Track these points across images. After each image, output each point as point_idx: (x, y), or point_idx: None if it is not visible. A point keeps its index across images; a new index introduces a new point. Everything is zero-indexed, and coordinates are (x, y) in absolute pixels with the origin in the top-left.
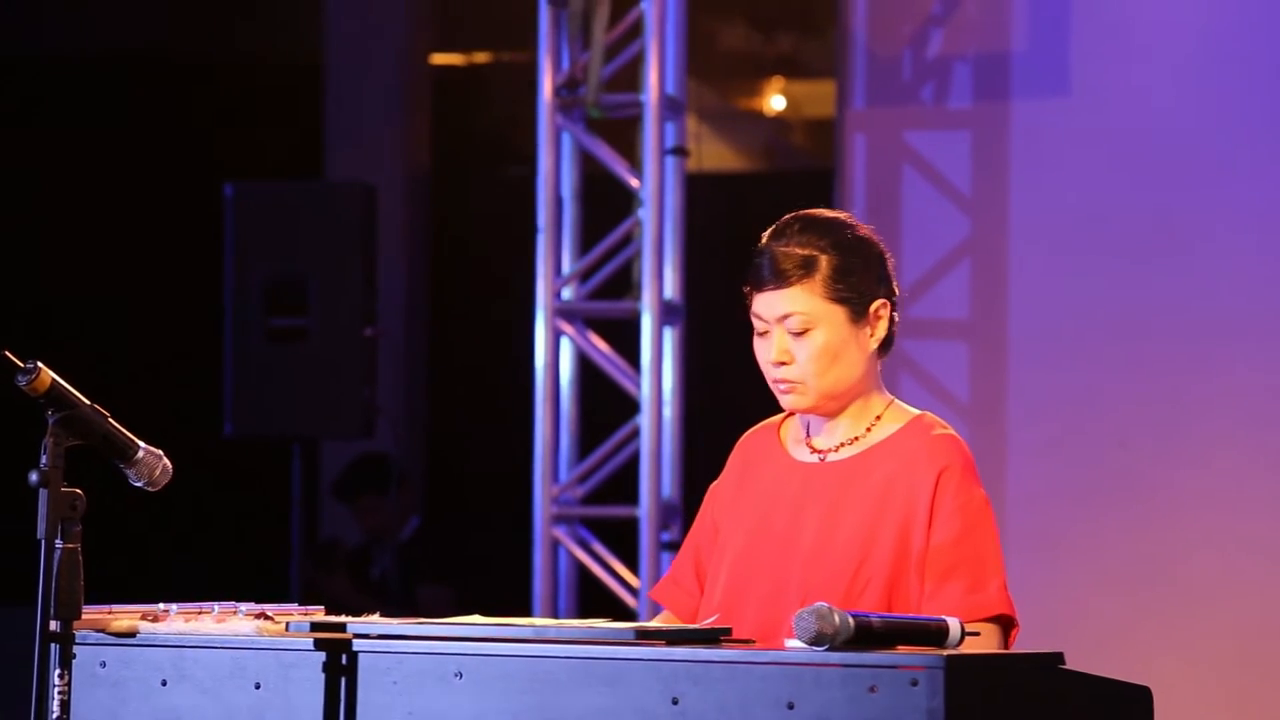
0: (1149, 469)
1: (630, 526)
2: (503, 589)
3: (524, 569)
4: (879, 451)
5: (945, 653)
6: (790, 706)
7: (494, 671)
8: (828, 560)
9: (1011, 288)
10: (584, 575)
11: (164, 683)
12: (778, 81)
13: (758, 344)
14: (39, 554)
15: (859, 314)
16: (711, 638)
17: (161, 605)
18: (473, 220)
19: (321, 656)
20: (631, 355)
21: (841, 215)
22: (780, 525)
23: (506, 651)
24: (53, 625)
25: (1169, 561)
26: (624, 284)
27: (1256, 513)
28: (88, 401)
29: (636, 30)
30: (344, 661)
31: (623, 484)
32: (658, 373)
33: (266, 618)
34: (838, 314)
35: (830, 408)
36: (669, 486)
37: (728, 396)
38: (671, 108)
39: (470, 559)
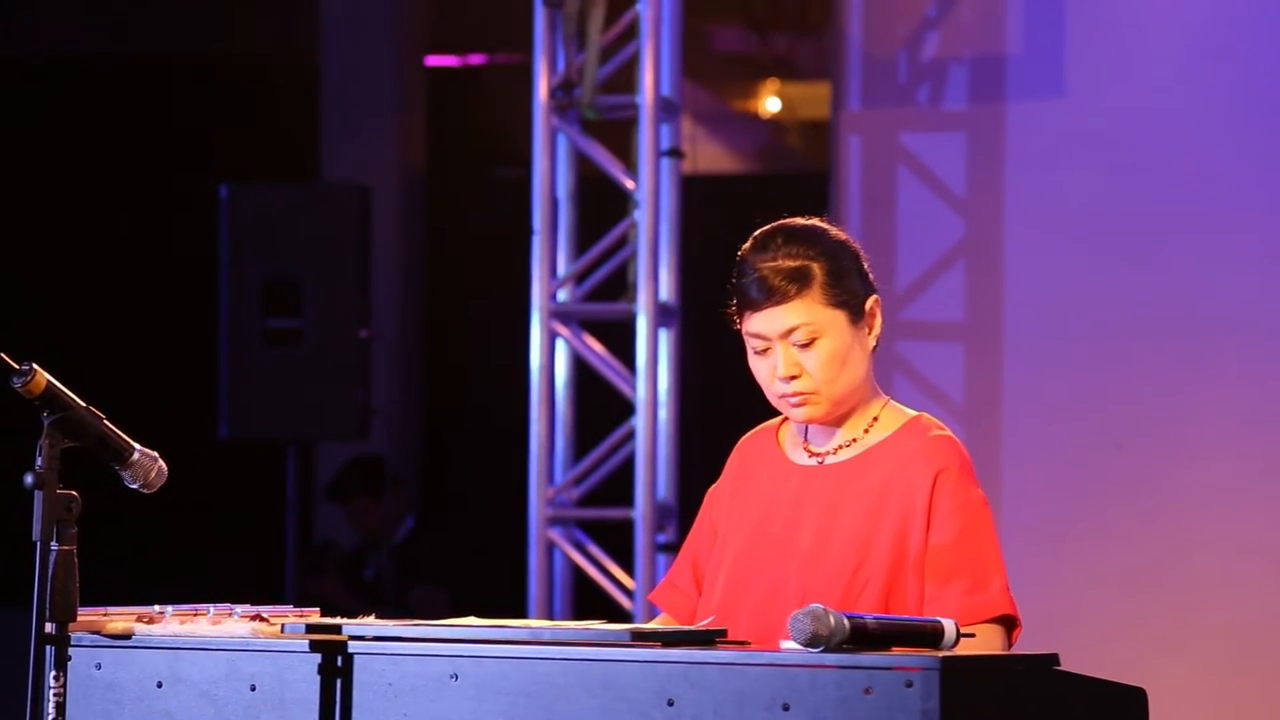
0: (1145, 470)
1: (625, 528)
2: (498, 591)
3: (519, 571)
4: (876, 453)
5: (940, 654)
6: (785, 708)
7: (489, 673)
8: (826, 562)
9: (1007, 289)
10: (579, 577)
11: (159, 685)
12: (773, 83)
13: (756, 362)
14: (34, 556)
15: (857, 315)
16: (707, 639)
17: (157, 607)
18: (468, 222)
19: (317, 658)
20: (627, 357)
21: (817, 222)
22: (778, 528)
23: (502, 653)
24: (48, 627)
25: (1164, 562)
26: (619, 286)
27: (1252, 513)
28: (83, 403)
29: (632, 32)
30: (339, 663)
31: (618, 486)
32: (653, 374)
33: (262, 619)
34: (840, 319)
35: (839, 414)
36: (664, 488)
37: (723, 398)
38: (667, 109)
39: (465, 561)
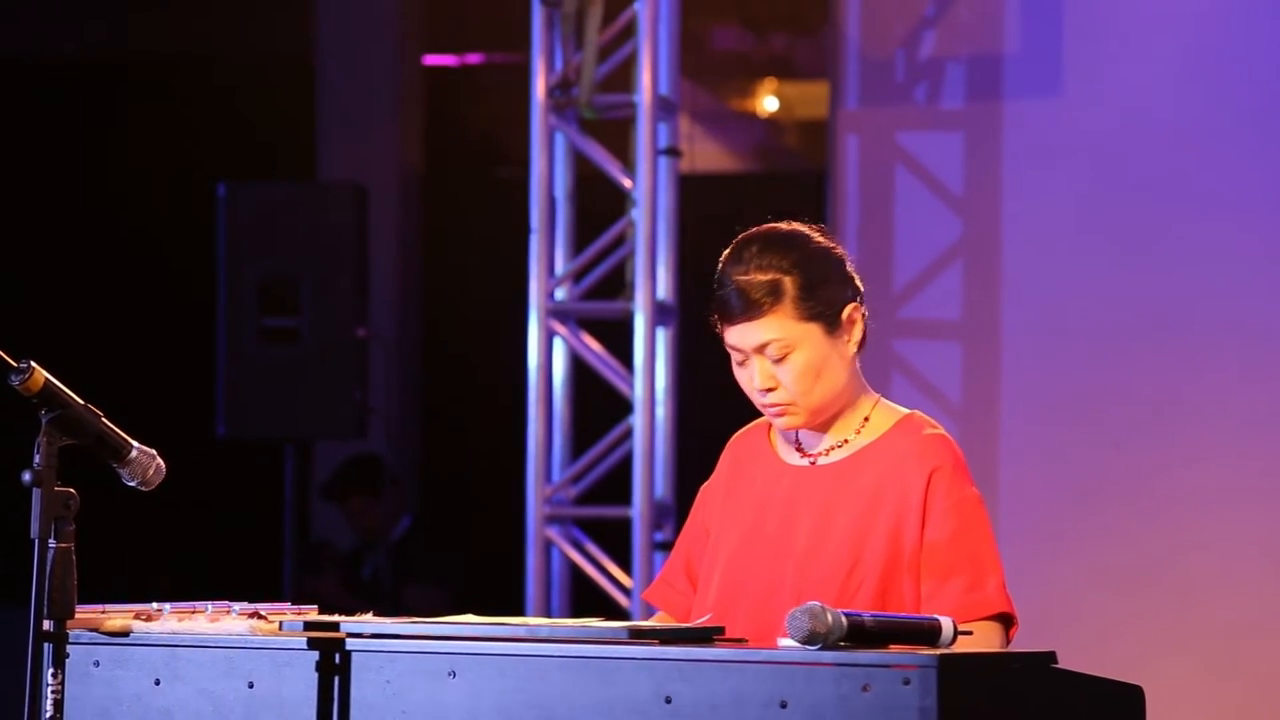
0: (1142, 469)
1: (623, 527)
2: (496, 589)
3: (517, 569)
4: (869, 453)
5: (938, 652)
6: (783, 705)
7: (487, 670)
8: (821, 563)
9: (1004, 288)
10: (577, 575)
11: (157, 682)
12: (770, 82)
13: (738, 372)
14: (32, 553)
15: (833, 325)
16: (704, 636)
17: (155, 605)
18: (465, 221)
19: (315, 655)
20: (624, 356)
21: (798, 228)
22: (772, 529)
23: (500, 650)
24: (46, 625)
25: (1162, 561)
26: (617, 284)
27: (1249, 512)
28: (81, 401)
29: (629, 31)
30: (337, 660)
31: (616, 484)
32: (651, 373)
33: (260, 617)
34: (813, 331)
35: (822, 420)
36: (662, 487)
37: (720, 397)
38: (664, 108)
39: (463, 559)
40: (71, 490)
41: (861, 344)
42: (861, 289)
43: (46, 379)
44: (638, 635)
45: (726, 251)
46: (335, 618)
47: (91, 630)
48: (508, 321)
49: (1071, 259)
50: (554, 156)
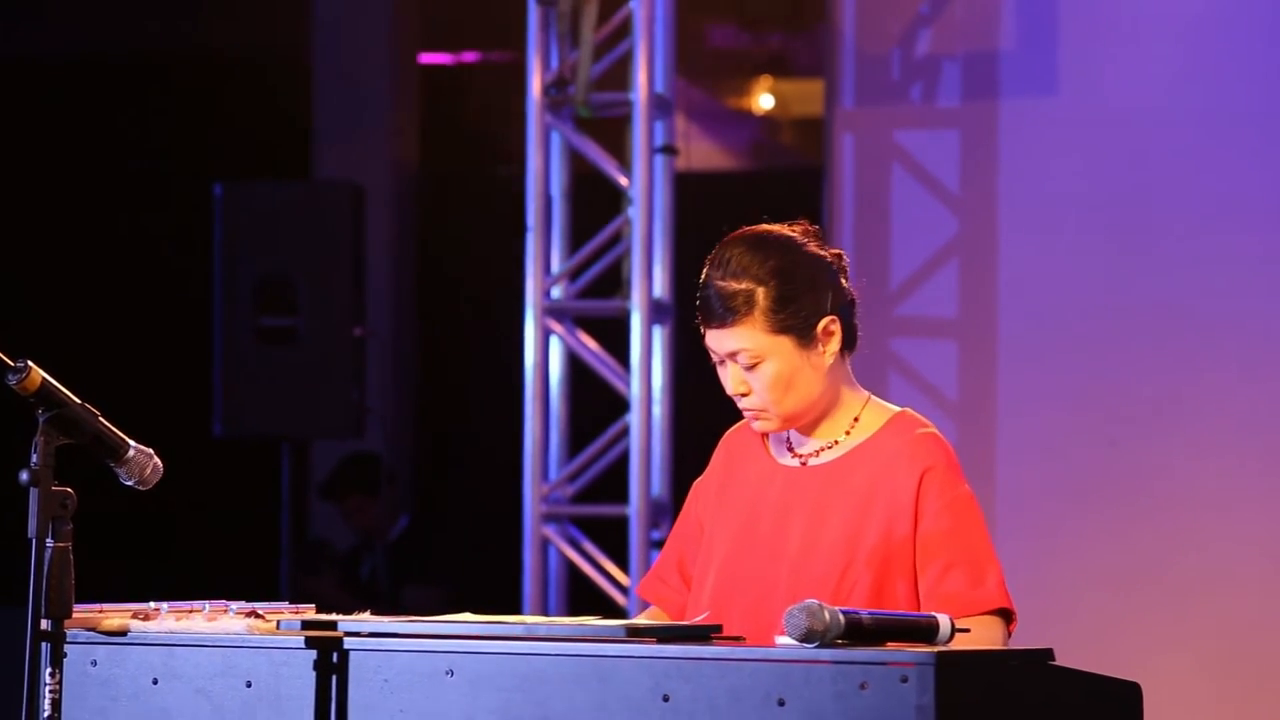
0: (1139, 467)
1: (620, 525)
2: (493, 587)
3: (514, 567)
4: (860, 454)
5: (935, 649)
6: (781, 703)
7: (485, 669)
8: (814, 565)
9: (1000, 286)
10: (574, 573)
11: (155, 681)
12: (766, 80)
13: (719, 372)
14: (30, 553)
15: (805, 338)
16: (702, 635)
17: (152, 604)
18: (461, 219)
19: (312, 655)
20: (621, 354)
21: (786, 232)
22: (765, 530)
23: (497, 649)
24: (44, 624)
25: (1158, 558)
26: (613, 283)
27: (1246, 510)
28: (78, 400)
29: (625, 29)
30: (335, 660)
31: (612, 482)
32: (647, 371)
33: (257, 616)
34: (783, 344)
35: (800, 425)
36: (658, 485)
37: (717, 395)
38: (660, 106)
39: (460, 558)
40: (69, 489)
41: (851, 344)
42: (852, 295)
43: (43, 378)
44: (635, 634)
45: (715, 250)
46: (333, 617)
47: (89, 629)
48: (504, 320)
49: (1068, 257)
50: (550, 155)
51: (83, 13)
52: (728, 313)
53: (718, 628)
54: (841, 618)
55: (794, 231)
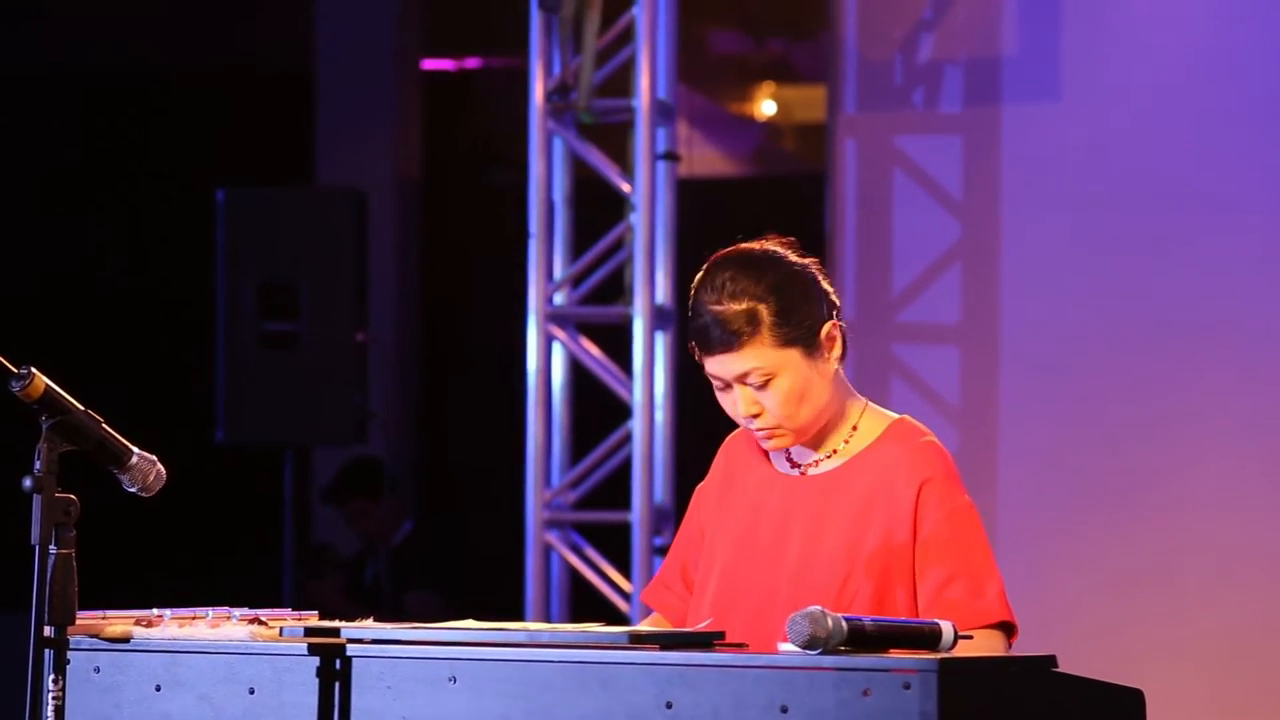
0: (1140, 473)
1: (622, 531)
2: (495, 593)
3: (516, 573)
4: (859, 463)
5: (938, 656)
6: (784, 710)
7: (488, 676)
8: (814, 575)
9: (1003, 292)
10: (576, 580)
11: (158, 688)
12: (768, 86)
13: (720, 398)
14: (33, 560)
15: (812, 346)
16: (705, 641)
17: (155, 610)
18: (464, 225)
19: (315, 661)
20: (623, 360)
21: (769, 248)
22: (765, 539)
23: (500, 656)
24: (47, 630)
25: (1161, 564)
26: (616, 289)
27: (1247, 516)
28: (81, 407)
29: (627, 35)
30: (338, 666)
31: (615, 489)
32: (649, 377)
33: (260, 623)
34: (792, 356)
35: (812, 436)
36: (661, 491)
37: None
38: (662, 112)
39: (463, 563)
40: (72, 496)
41: (843, 353)
42: (837, 301)
43: (47, 385)
44: (638, 640)
45: (699, 277)
46: (336, 623)
47: (92, 636)
48: (507, 326)
49: (1070, 262)
50: (552, 161)
51: (87, 20)
52: (733, 336)
53: (720, 634)
54: (844, 624)
55: (773, 245)
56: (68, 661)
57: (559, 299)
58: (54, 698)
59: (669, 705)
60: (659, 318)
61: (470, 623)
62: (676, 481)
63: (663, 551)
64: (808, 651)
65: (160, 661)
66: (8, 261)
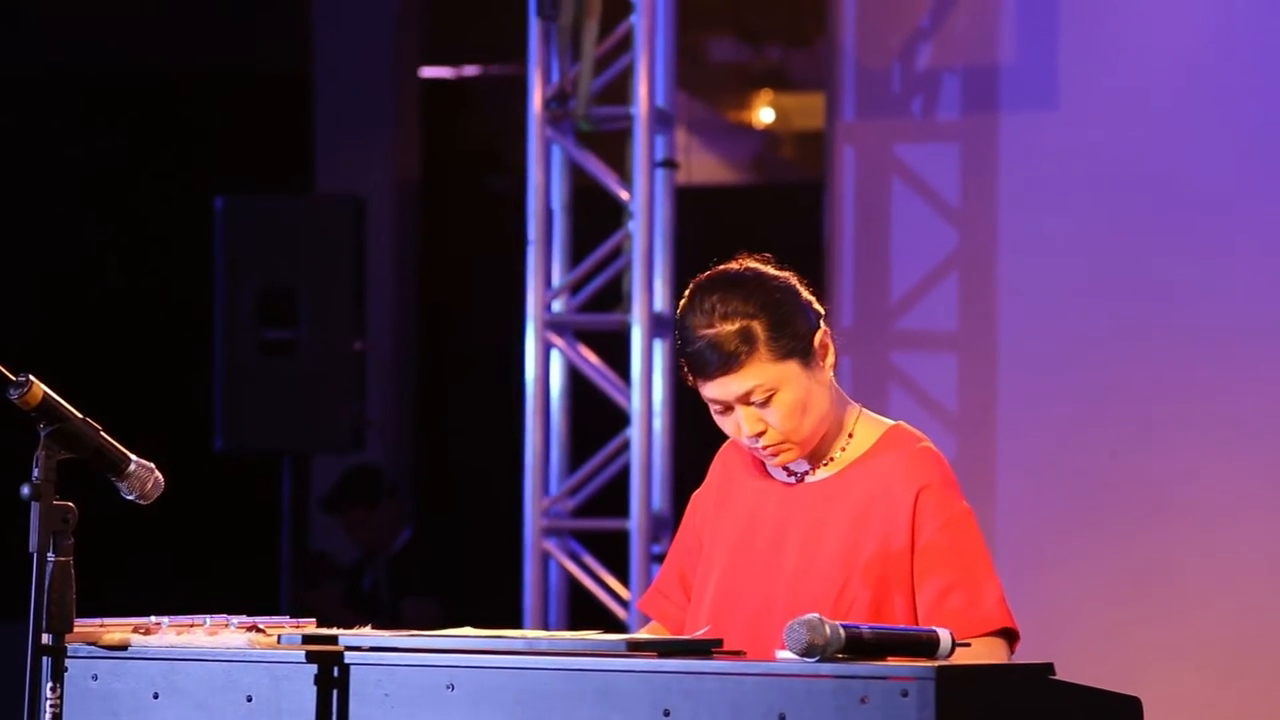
0: (1140, 479)
1: (621, 539)
2: (493, 601)
3: (514, 581)
4: (856, 470)
5: (936, 664)
6: (782, 718)
7: (486, 684)
8: (811, 583)
9: (1001, 299)
10: (574, 587)
11: (156, 695)
12: (767, 94)
13: (720, 421)
14: (31, 567)
15: (807, 356)
16: (703, 650)
17: (153, 618)
18: (462, 233)
19: (313, 669)
20: (622, 368)
21: (750, 266)
22: (762, 547)
23: (498, 664)
24: (45, 638)
25: (1159, 571)
26: (614, 296)
27: (1247, 523)
28: (79, 415)
29: (626, 43)
30: (336, 674)
31: (613, 496)
32: (648, 385)
33: (258, 630)
34: (791, 368)
35: (815, 446)
36: (659, 499)
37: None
38: (661, 120)
39: (461, 571)
40: (70, 504)
41: (835, 360)
42: (821, 309)
43: (45, 393)
44: (636, 648)
45: (683, 305)
46: (334, 631)
47: (90, 644)
48: (505, 333)
49: (1068, 270)
50: (551, 168)
51: (87, 22)
52: (731, 358)
53: (718, 642)
54: (842, 632)
55: (751, 262)
56: (65, 669)
57: (557, 306)
58: (52, 705)
59: (667, 713)
60: (657, 325)
61: (468, 630)
62: (675, 489)
63: (661, 559)
64: (805, 659)
65: (158, 669)
66: (5, 269)
